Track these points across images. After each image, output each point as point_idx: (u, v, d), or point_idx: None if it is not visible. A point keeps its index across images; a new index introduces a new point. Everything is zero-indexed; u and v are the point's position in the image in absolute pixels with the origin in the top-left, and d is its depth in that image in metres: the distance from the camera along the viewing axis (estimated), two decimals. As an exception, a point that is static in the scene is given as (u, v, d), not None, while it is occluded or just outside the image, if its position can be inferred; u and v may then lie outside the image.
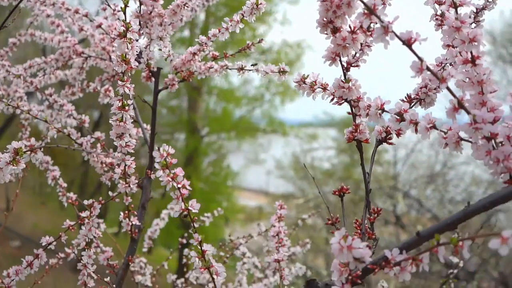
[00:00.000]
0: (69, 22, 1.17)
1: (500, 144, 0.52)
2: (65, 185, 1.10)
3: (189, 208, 0.63)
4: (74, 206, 1.04)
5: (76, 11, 1.08)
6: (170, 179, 0.61)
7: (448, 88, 0.51)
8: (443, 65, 0.68)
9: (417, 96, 0.68)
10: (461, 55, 0.54)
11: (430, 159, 7.87)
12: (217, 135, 12.10)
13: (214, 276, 0.64)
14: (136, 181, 0.90)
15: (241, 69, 0.95)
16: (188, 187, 0.62)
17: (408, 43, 0.50)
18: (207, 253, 0.64)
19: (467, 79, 0.54)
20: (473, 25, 0.71)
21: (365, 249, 0.50)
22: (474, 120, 0.50)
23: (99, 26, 1.06)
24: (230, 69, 0.96)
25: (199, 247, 0.64)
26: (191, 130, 11.00)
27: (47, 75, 1.18)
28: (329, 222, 0.64)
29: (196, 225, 1.33)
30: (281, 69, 0.84)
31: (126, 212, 0.96)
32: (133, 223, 0.97)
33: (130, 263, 0.99)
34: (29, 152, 0.64)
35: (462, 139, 0.54)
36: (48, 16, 1.19)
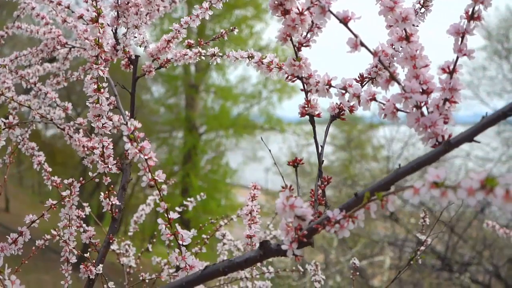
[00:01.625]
0: (53, 15, 1.22)
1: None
2: (50, 169, 1.15)
3: (156, 178, 0.68)
4: (58, 188, 1.09)
5: (59, 3, 1.13)
6: (138, 151, 0.66)
7: (380, 61, 0.56)
8: (393, 46, 0.73)
9: (369, 75, 0.73)
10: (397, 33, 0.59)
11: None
12: (215, 133, 12.17)
13: (180, 242, 0.69)
14: (114, 162, 0.96)
15: (213, 55, 1.00)
16: (155, 159, 0.68)
17: (344, 21, 0.55)
18: (173, 220, 0.69)
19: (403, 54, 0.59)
20: (423, 9, 0.76)
21: (306, 208, 0.56)
22: (404, 90, 0.55)
23: (81, 17, 1.11)
24: (203, 55, 1.02)
25: (166, 215, 0.69)
26: (189, 128, 11.06)
27: (33, 66, 1.23)
28: (283, 190, 0.69)
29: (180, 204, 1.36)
30: (250, 55, 0.89)
31: (107, 192, 1.01)
32: (113, 203, 1.02)
33: (111, 241, 1.04)
34: (7, 129, 0.69)
35: (398, 109, 0.59)
36: (33, 8, 1.24)
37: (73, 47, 1.24)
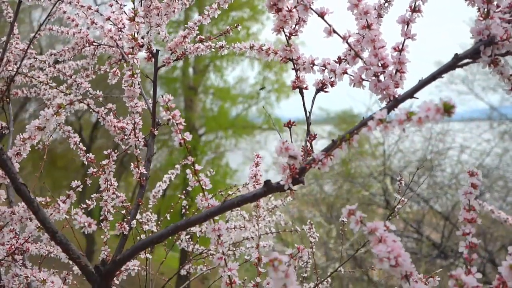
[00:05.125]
0: (81, 17, 1.44)
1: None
2: (84, 148, 1.36)
3: (185, 137, 0.89)
4: (92, 163, 1.31)
5: (89, 8, 1.35)
6: (171, 117, 0.88)
7: (348, 43, 0.78)
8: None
9: (345, 57, 0.94)
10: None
11: (423, 148, 8.20)
12: (214, 134, 12.38)
13: (203, 187, 0.90)
14: (143, 136, 1.17)
15: (221, 47, 1.22)
16: (183, 123, 0.89)
17: (321, 15, 0.77)
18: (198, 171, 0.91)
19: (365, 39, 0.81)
20: (386, 4, 0.98)
21: (297, 150, 0.77)
22: (365, 64, 0.77)
23: (108, 18, 1.32)
24: (213, 48, 1.23)
25: (193, 167, 0.91)
26: (189, 130, 11.23)
27: (66, 61, 1.44)
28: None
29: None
30: (251, 45, 1.11)
31: (136, 163, 1.22)
32: (141, 171, 1.23)
33: (140, 204, 1.25)
34: (69, 105, 0.90)
35: (362, 79, 0.81)
36: (64, 12, 1.45)
37: (100, 44, 1.45)
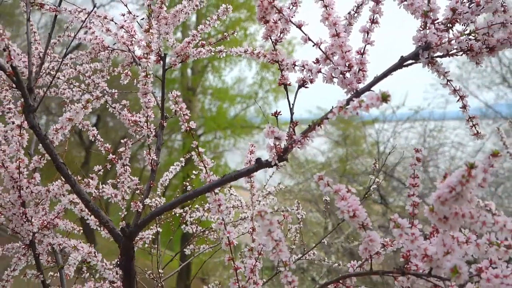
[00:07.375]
0: (97, 25, 1.64)
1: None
2: (102, 140, 1.56)
3: (190, 126, 1.10)
4: (109, 152, 1.51)
5: (105, 17, 1.55)
6: (178, 109, 1.08)
7: (320, 48, 0.98)
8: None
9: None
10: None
11: (418, 144, 8.43)
12: (213, 134, 12.57)
13: (206, 165, 1.11)
14: (154, 127, 1.37)
15: (220, 51, 1.42)
16: (189, 114, 1.09)
17: (299, 26, 0.97)
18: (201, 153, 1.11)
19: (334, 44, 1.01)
20: (356, 14, 1.18)
21: (281, 132, 0.97)
22: (334, 64, 0.98)
23: (122, 27, 1.52)
24: (213, 52, 1.44)
25: (197, 150, 1.11)
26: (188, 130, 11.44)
27: (84, 64, 1.65)
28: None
29: (200, 153, 1.76)
30: (245, 50, 1.31)
31: (148, 150, 1.43)
32: (153, 158, 1.44)
33: (151, 186, 1.46)
34: (96, 100, 1.11)
35: (333, 76, 1.01)
36: (82, 21, 1.66)
37: (114, 49, 1.65)
